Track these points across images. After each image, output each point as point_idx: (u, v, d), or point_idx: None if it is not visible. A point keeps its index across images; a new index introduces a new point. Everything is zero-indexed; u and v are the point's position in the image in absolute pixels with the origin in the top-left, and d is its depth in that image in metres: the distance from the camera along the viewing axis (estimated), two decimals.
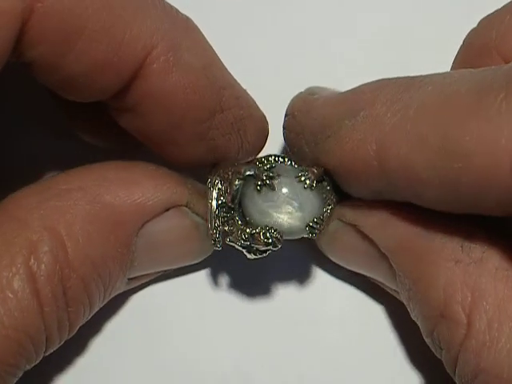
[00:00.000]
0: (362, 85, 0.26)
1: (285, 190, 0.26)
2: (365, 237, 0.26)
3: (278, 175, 0.26)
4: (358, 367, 0.29)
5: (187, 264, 0.29)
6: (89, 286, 0.25)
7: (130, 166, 0.27)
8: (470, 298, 0.23)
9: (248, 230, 0.26)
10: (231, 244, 0.26)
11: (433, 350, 0.25)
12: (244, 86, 0.27)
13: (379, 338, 0.29)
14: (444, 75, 0.24)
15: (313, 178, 0.26)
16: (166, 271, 0.29)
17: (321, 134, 0.26)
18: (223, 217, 0.27)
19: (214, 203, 0.27)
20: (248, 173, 0.26)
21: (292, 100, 0.29)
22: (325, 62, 0.32)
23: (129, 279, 0.27)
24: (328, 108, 0.27)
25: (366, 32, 0.33)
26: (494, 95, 0.21)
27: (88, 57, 0.23)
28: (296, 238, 0.27)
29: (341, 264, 0.29)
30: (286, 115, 0.29)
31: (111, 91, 0.25)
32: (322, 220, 0.26)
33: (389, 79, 0.25)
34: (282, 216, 0.26)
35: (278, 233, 0.26)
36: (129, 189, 0.26)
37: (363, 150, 0.24)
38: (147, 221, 0.26)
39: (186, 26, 0.26)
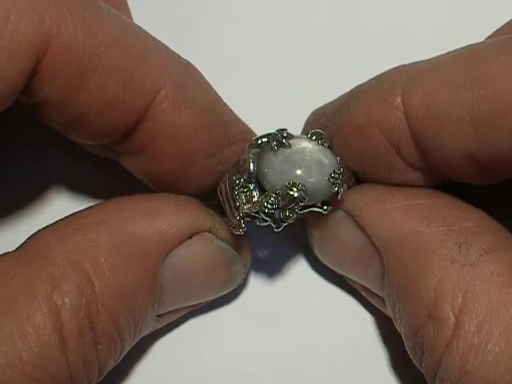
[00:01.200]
0: None
1: (300, 147, 0.26)
2: (361, 230, 0.26)
3: (292, 136, 0.26)
4: (358, 368, 0.29)
5: (216, 296, 0.28)
6: (118, 320, 0.24)
7: (149, 196, 0.26)
8: (460, 299, 0.22)
9: (272, 194, 0.25)
10: (256, 219, 0.26)
11: (411, 355, 0.24)
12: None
13: (378, 338, 0.29)
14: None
15: (325, 135, 0.26)
16: (194, 306, 0.28)
17: (346, 101, 0.27)
18: (240, 196, 0.26)
19: (228, 186, 0.26)
20: (262, 140, 0.26)
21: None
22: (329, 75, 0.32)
23: (158, 316, 0.26)
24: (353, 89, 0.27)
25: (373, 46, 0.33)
26: None
27: (100, 94, 0.23)
28: (320, 196, 0.26)
29: (329, 264, 0.28)
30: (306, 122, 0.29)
31: (119, 132, 0.25)
32: (342, 172, 0.26)
33: None
34: (301, 171, 0.25)
35: (303, 185, 0.25)
36: (151, 217, 0.25)
37: (389, 95, 0.25)
38: (171, 249, 0.25)
39: (188, 68, 0.26)
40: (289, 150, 0.25)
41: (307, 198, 0.25)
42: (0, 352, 0.21)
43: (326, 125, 0.27)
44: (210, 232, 0.26)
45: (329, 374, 0.28)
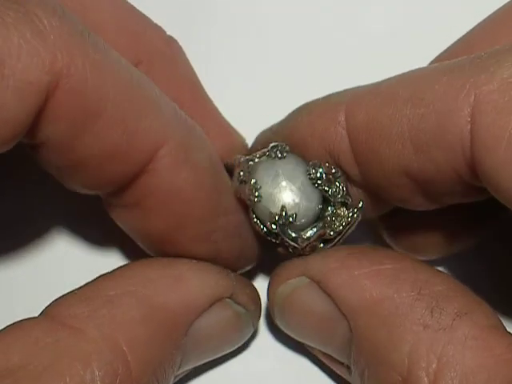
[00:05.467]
0: None
1: (261, 170, 0.26)
2: (326, 296, 0.26)
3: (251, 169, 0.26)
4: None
5: (226, 352, 0.29)
6: None
7: (172, 261, 0.26)
8: (435, 365, 0.22)
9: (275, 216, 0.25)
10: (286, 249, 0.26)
11: None
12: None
13: None
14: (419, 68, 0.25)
15: (281, 146, 0.26)
16: None
17: (293, 115, 0.27)
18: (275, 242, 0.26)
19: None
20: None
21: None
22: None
23: None
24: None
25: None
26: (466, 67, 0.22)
27: (102, 142, 0.23)
28: (316, 199, 0.26)
29: (291, 333, 0.28)
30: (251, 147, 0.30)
31: (116, 183, 0.24)
32: (319, 167, 0.26)
33: None
34: (282, 191, 0.26)
35: (293, 200, 0.25)
36: (177, 287, 0.25)
37: (333, 111, 0.25)
38: (196, 319, 0.26)
39: (193, 129, 0.26)
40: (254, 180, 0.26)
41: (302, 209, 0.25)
42: None
43: (272, 139, 0.27)
44: (230, 298, 0.27)
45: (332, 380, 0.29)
